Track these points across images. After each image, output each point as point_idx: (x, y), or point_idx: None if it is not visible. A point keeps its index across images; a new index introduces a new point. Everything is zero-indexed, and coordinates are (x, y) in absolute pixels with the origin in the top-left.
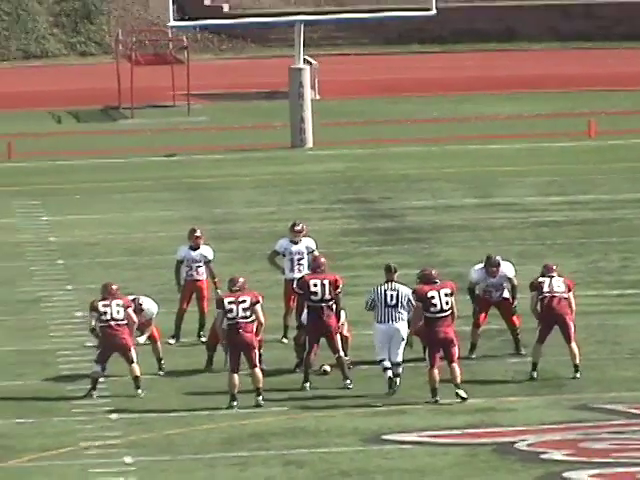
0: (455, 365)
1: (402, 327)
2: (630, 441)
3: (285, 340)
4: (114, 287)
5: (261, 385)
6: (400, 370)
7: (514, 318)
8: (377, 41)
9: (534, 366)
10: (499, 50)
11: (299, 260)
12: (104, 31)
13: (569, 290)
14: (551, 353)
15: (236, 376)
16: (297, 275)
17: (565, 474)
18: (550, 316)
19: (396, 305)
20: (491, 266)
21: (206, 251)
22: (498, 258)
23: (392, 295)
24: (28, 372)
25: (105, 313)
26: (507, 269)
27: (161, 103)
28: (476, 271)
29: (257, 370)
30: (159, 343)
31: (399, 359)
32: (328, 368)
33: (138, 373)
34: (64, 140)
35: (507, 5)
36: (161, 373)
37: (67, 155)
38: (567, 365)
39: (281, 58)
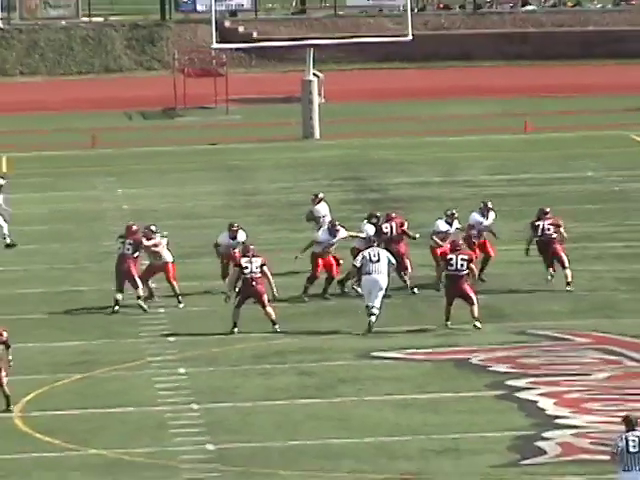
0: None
1: (381, 279)
2: (555, 357)
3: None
4: (134, 227)
5: (274, 317)
6: (377, 312)
7: (491, 250)
8: (369, 59)
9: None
10: (459, 67)
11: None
12: (164, 52)
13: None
14: (497, 290)
15: (239, 310)
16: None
17: (507, 382)
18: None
19: (378, 261)
20: (486, 209)
21: (241, 236)
22: (490, 204)
23: (374, 254)
24: (109, 305)
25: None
26: (493, 215)
27: (206, 105)
28: (473, 216)
29: (268, 308)
30: (175, 282)
31: (377, 304)
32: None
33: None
34: (134, 133)
35: (465, 33)
36: (180, 306)
37: (136, 144)
38: (510, 301)
39: (296, 72)
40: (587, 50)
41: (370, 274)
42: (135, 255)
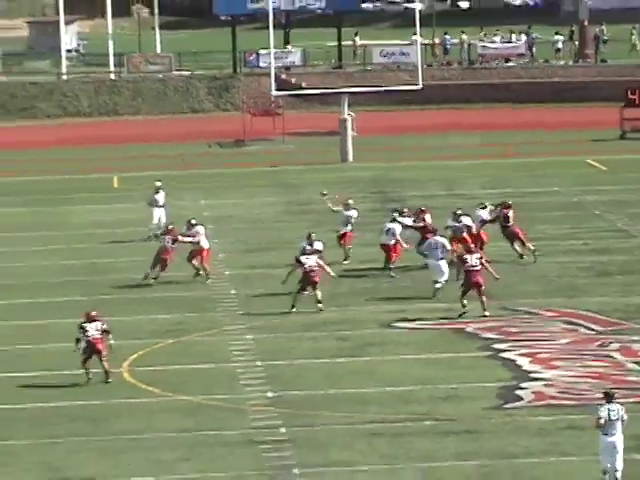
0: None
1: (442, 263)
2: (530, 327)
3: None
4: (170, 227)
5: (320, 298)
6: (440, 285)
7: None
8: (390, 102)
9: None
10: (458, 109)
11: (349, 220)
12: (236, 97)
13: None
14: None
15: (299, 296)
16: (347, 228)
17: (493, 345)
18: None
19: (436, 248)
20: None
21: (317, 245)
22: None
23: (437, 241)
24: (194, 286)
25: (163, 240)
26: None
27: (267, 137)
28: (481, 213)
29: (318, 292)
30: (206, 265)
31: (443, 279)
32: None
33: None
34: (214, 158)
35: (462, 83)
36: (208, 282)
37: (215, 166)
38: (495, 284)
39: (334, 113)
40: (554, 96)
41: (432, 259)
42: (173, 247)
